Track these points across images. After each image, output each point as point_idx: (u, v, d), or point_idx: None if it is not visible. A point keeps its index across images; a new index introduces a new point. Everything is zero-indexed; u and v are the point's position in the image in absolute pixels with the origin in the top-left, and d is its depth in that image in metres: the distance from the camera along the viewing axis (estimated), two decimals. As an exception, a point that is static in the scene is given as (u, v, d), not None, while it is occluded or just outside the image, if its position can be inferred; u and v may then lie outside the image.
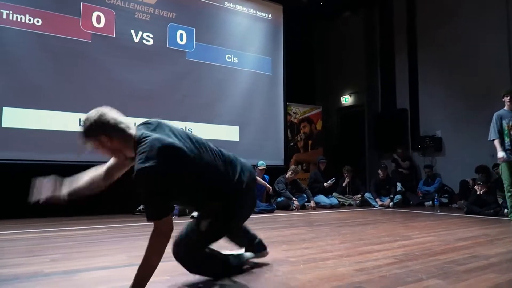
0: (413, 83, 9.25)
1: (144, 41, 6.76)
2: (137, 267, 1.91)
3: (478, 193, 6.27)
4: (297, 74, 9.36)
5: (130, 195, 6.08)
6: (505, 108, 5.46)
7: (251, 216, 5.28)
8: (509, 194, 5.25)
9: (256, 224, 4.94)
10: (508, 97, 5.42)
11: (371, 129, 9.91)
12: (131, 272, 2.36)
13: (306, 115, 9.63)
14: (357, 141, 10.20)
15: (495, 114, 5.50)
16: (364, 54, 10.12)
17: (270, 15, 8.52)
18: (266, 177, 7.27)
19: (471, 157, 7.71)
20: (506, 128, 5.35)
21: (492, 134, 5.46)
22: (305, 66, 10.19)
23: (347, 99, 10.55)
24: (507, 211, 5.38)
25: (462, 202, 7.00)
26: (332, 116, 10.76)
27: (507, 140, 5.33)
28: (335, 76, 10.72)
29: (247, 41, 8.10)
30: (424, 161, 8.83)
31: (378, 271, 2.42)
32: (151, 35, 6.82)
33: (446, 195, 7.97)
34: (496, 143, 5.37)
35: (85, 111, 6.39)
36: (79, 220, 5.11)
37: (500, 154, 5.29)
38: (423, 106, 9.07)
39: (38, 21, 5.87)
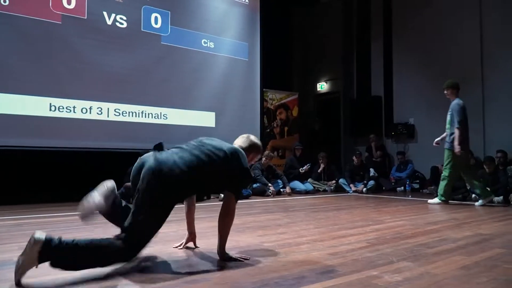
0: (388, 71, 9.39)
1: (117, 24, 6.57)
2: None
3: (448, 178, 6.44)
4: (274, 60, 9.33)
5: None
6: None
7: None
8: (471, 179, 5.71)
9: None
10: (445, 91, 5.91)
11: (347, 116, 10.03)
12: (104, 259, 2.34)
13: (283, 101, 9.65)
14: (332, 127, 10.31)
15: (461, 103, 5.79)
16: (341, 41, 10.16)
17: (247, 0, 8.42)
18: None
19: (442, 144, 7.90)
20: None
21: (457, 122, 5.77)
22: (282, 52, 10.17)
23: (323, 86, 10.62)
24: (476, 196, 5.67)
25: (433, 187, 7.20)
26: (308, 102, 10.82)
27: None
28: (312, 63, 10.76)
29: (224, 26, 7.99)
30: (397, 147, 9.02)
31: (351, 255, 2.47)
32: (124, 18, 6.63)
33: (418, 181, 8.19)
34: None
35: (56, 95, 6.26)
36: (54, 207, 4.99)
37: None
38: (397, 93, 9.23)
39: (5, 1, 5.61)
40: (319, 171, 8.33)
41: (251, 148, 2.71)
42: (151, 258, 2.38)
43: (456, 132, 5.54)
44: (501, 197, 5.82)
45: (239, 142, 2.77)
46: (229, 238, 3.00)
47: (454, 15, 8.13)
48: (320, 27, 10.57)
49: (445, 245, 2.79)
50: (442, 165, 7.22)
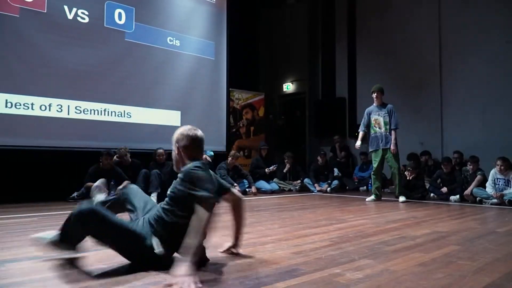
0: (352, 72, 9.59)
1: (79, 19, 6.37)
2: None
3: (407, 178, 6.67)
4: (241, 60, 9.34)
5: (64, 183, 5.82)
6: (374, 104, 6.33)
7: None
8: (373, 177, 6.21)
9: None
10: (375, 94, 6.28)
11: (312, 117, 10.17)
12: (63, 262, 2.26)
13: (249, 101, 9.67)
14: (298, 128, 10.42)
15: (366, 109, 6.41)
16: (306, 42, 10.30)
17: (213, -1, 8.38)
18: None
19: (402, 144, 8.13)
20: (372, 121, 6.26)
21: (360, 126, 6.43)
22: (249, 52, 10.19)
23: (289, 87, 10.72)
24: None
25: (394, 187, 7.41)
26: (274, 102, 10.89)
27: (372, 132, 6.26)
28: (278, 63, 10.84)
29: (190, 24, 7.91)
30: (360, 148, 9.21)
31: (315, 253, 2.50)
32: (86, 12, 6.44)
33: (379, 180, 8.39)
34: (360, 135, 6.36)
35: (13, 91, 6.00)
36: (7, 209, 4.77)
37: (357, 143, 6.38)
38: (360, 94, 9.44)
39: (-44, -9, 5.33)
40: (284, 171, 8.40)
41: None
42: (113, 260, 2.32)
43: (395, 133, 6.09)
44: (457, 196, 6.07)
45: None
46: (193, 238, 2.97)
47: (414, 18, 8.42)
48: (286, 28, 10.67)
49: (404, 242, 2.88)
50: (403, 166, 7.49)
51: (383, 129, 6.16)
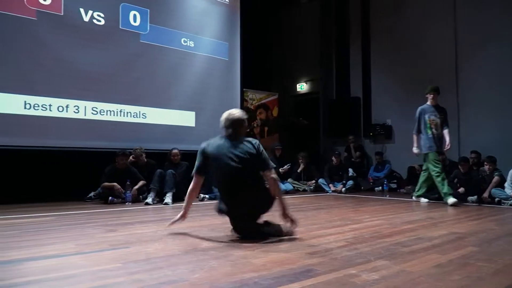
0: (366, 72, 9.51)
1: (95, 21, 6.46)
2: (86, 255, 2.06)
3: (424, 178, 6.56)
4: (254, 60, 9.35)
5: (80, 182, 5.91)
6: (428, 103, 6.05)
7: (206, 202, 5.28)
8: (438, 179, 5.77)
9: (211, 210, 4.91)
10: (432, 95, 6.02)
11: (326, 117, 10.11)
12: (80, 260, 2.30)
13: (263, 101, 9.67)
14: (312, 128, 10.38)
15: (419, 108, 6.09)
16: (320, 42, 10.24)
17: (227, 0, 8.40)
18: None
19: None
20: (428, 122, 5.94)
21: (415, 128, 6.09)
22: (262, 52, 10.20)
23: (302, 87, 10.68)
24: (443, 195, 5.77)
25: (410, 187, 7.33)
26: (288, 102, 10.87)
27: (429, 132, 5.92)
28: (292, 63, 10.81)
29: (204, 25, 7.95)
30: (375, 148, 9.15)
31: (329, 254, 2.49)
32: (102, 15, 6.53)
33: (395, 181, 8.32)
34: (414, 138, 6.06)
35: (31, 93, 6.11)
36: (26, 208, 4.87)
37: (414, 150, 6.07)
38: (375, 94, 9.36)
39: (-23, -5, 5.45)
40: (298, 171, 8.37)
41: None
42: (129, 258, 2.35)
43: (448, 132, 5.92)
44: (475, 197, 5.96)
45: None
46: (207, 238, 3.00)
47: (430, 18, 8.30)
48: (300, 28, 10.63)
49: (420, 243, 2.84)
50: (419, 165, 7.39)
51: (440, 130, 5.93)
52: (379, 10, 9.30)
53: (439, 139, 5.91)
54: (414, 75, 8.52)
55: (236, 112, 3.40)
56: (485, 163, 6.22)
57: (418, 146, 6.06)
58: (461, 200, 6.06)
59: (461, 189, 6.22)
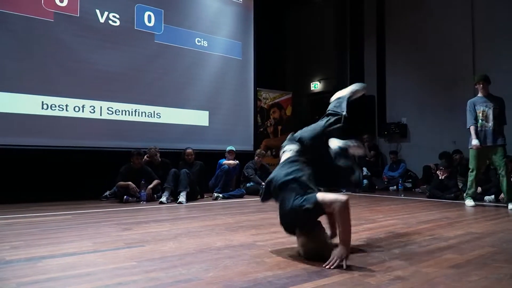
0: (381, 71, 9.43)
1: (110, 22, 6.54)
2: (102, 253, 1.98)
3: (440, 178, 6.49)
4: (267, 60, 9.34)
5: (96, 182, 6.00)
6: (479, 94, 5.52)
7: (220, 201, 5.28)
8: (471, 178, 5.42)
9: (225, 209, 4.95)
10: (481, 84, 5.47)
11: (340, 116, 10.03)
12: (97, 258, 2.34)
13: (276, 100, 9.65)
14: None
15: (469, 101, 5.56)
16: (334, 41, 10.18)
17: (240, -1, 8.41)
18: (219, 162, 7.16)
19: (434, 143, 7.98)
20: (480, 114, 5.42)
21: (468, 121, 5.52)
22: (276, 51, 10.18)
23: (316, 85, 10.64)
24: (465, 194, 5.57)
25: (425, 186, 7.24)
26: (302, 102, 10.83)
27: (479, 124, 5.41)
28: (305, 62, 10.76)
29: (217, 24, 7.98)
30: (390, 147, 9.07)
31: (344, 254, 2.47)
32: (117, 16, 6.60)
33: (410, 180, 8.23)
34: (472, 129, 5.46)
35: (48, 93, 6.21)
36: (43, 207, 4.96)
37: (474, 141, 5.39)
38: (390, 93, 9.27)
39: (-5, -2, 5.56)
40: (312, 170, 8.32)
41: None
42: (144, 257, 2.37)
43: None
44: (493, 196, 5.87)
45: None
46: (222, 237, 3.01)
47: (446, 16, 8.18)
48: (313, 26, 10.58)
49: (436, 243, 2.81)
50: (434, 165, 7.29)
51: (490, 123, 5.32)
52: (394, 9, 9.21)
53: (488, 133, 5.33)
54: (429, 74, 8.42)
55: None
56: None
57: (477, 138, 5.39)
58: (479, 199, 5.96)
59: (478, 189, 6.12)
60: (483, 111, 5.39)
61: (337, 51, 10.16)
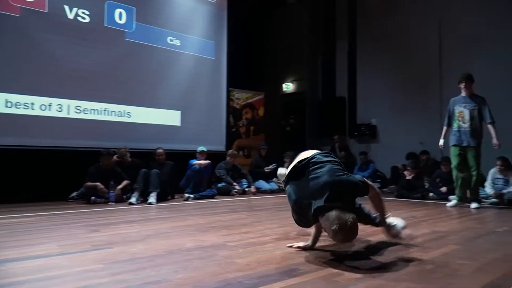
0: (352, 72, 9.60)
1: (79, 18, 6.37)
2: (69, 256, 1.96)
3: (407, 178, 6.67)
4: (241, 60, 9.34)
5: (63, 182, 5.83)
6: (462, 94, 5.58)
7: (191, 202, 5.23)
8: (454, 176, 5.54)
9: (196, 210, 4.92)
10: (463, 83, 5.53)
11: (312, 116, 10.17)
12: (63, 261, 2.28)
13: (249, 101, 9.67)
14: (298, 127, 10.42)
15: (451, 100, 5.66)
16: (307, 42, 10.28)
17: (214, -2, 8.37)
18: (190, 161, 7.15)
19: (402, 144, 8.18)
20: (456, 113, 5.52)
21: (445, 121, 5.68)
22: (249, 52, 10.20)
23: (289, 86, 10.71)
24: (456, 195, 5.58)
25: (393, 186, 7.43)
26: (274, 102, 10.88)
27: (455, 125, 5.51)
28: (278, 63, 10.82)
29: (190, 23, 7.91)
30: (360, 148, 9.24)
31: (314, 253, 2.51)
32: (87, 12, 6.44)
33: (379, 180, 8.40)
34: (443, 130, 5.67)
35: (13, 91, 5.98)
36: (7, 208, 4.77)
37: (440, 141, 5.63)
38: (360, 94, 9.45)
39: (-43, -9, 5.32)
40: (284, 170, 8.38)
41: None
42: (112, 259, 2.33)
43: (495, 128, 5.31)
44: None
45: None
46: (192, 237, 2.99)
47: (415, 19, 8.41)
48: (287, 28, 10.66)
49: (403, 242, 2.88)
50: (402, 165, 7.48)
51: (467, 124, 5.38)
52: (366, 11, 9.40)
53: (466, 133, 5.38)
54: (398, 76, 8.64)
55: None
56: None
57: (445, 139, 5.63)
58: (444, 199, 6.17)
59: (444, 188, 6.34)
60: (461, 112, 5.49)
61: (310, 53, 10.27)
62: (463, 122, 5.45)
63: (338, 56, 9.92)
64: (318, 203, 2.20)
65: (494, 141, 5.24)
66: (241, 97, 9.51)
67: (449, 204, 5.51)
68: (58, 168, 5.88)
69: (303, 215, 2.37)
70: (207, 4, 8.23)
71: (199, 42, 8.02)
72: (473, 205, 5.28)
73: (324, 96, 10.16)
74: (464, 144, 5.41)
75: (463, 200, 5.47)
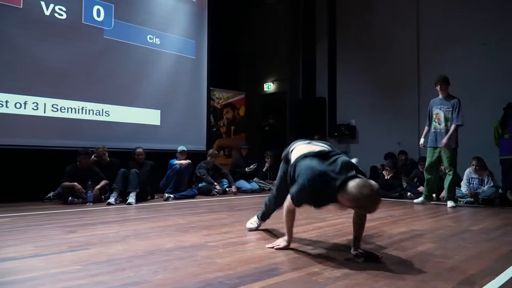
0: (332, 72, 9.69)
1: (56, 15, 6.23)
2: (45, 257, 1.85)
3: (385, 177, 6.78)
4: (221, 59, 9.31)
5: (39, 182, 5.69)
6: (439, 96, 5.72)
7: (171, 202, 5.20)
8: (425, 175, 5.78)
9: (176, 210, 4.88)
10: (439, 86, 5.67)
11: (292, 117, 10.22)
12: (39, 263, 2.23)
13: (229, 100, 9.64)
14: (279, 127, 10.46)
15: (430, 101, 5.86)
16: (287, 42, 10.33)
17: (194, -3, 8.32)
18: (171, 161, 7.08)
19: (381, 144, 8.30)
20: (433, 115, 5.71)
21: (427, 121, 5.88)
22: (229, 51, 10.17)
23: (270, 86, 10.74)
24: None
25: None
26: (255, 102, 10.89)
27: (432, 126, 5.71)
28: (259, 63, 10.83)
29: (171, 22, 7.83)
30: (340, 148, 9.31)
31: (294, 253, 2.52)
32: (64, 9, 6.30)
33: (358, 180, 8.51)
34: (425, 130, 5.87)
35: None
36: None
37: (420, 141, 5.92)
38: (340, 95, 9.55)
39: None
40: (264, 169, 8.41)
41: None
42: (90, 260, 2.29)
43: (456, 128, 5.47)
44: (433, 195, 6.19)
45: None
46: (172, 238, 2.97)
47: (394, 20, 8.55)
48: (267, 28, 10.68)
49: (381, 241, 2.93)
50: (381, 165, 7.59)
51: (442, 125, 5.55)
52: (346, 12, 9.50)
53: (441, 135, 5.53)
54: (377, 77, 8.76)
55: None
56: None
57: (425, 139, 5.81)
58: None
59: (421, 188, 6.45)
60: (437, 113, 5.66)
61: (290, 53, 10.32)
62: (439, 124, 5.63)
63: (318, 56, 10.00)
64: (344, 177, 2.18)
65: (444, 140, 5.45)
66: (222, 96, 9.49)
67: (416, 200, 5.86)
68: (34, 168, 5.74)
69: (321, 191, 2.23)
70: (187, 3, 8.17)
71: (180, 41, 7.96)
72: (450, 204, 5.41)
73: (304, 96, 10.23)
74: (439, 146, 5.57)
75: (429, 199, 5.80)
